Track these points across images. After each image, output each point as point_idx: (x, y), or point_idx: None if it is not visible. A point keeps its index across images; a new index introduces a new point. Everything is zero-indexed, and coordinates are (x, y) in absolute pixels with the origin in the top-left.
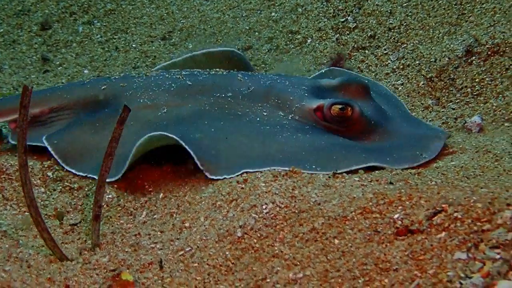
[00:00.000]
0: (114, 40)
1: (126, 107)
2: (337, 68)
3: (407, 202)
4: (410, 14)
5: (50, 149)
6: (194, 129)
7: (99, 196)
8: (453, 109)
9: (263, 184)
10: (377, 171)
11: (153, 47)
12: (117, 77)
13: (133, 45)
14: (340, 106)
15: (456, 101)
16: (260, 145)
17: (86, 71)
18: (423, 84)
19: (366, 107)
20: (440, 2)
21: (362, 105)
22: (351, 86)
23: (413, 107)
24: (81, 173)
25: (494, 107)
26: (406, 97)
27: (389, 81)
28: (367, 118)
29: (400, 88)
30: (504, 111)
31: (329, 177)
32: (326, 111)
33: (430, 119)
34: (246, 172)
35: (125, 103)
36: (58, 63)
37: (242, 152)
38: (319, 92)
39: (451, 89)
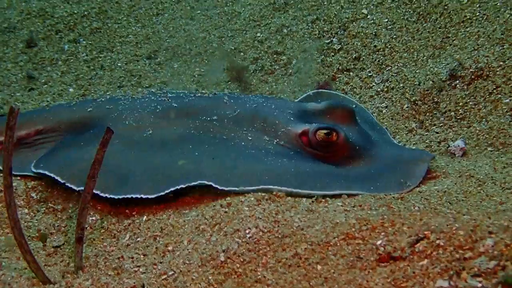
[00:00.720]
0: (100, 59)
1: (109, 129)
2: (325, 90)
3: (390, 229)
4: (394, 36)
5: (42, 172)
6: (178, 153)
7: (82, 218)
8: (437, 132)
9: (247, 208)
10: (360, 196)
11: (139, 66)
12: (103, 99)
13: (119, 64)
14: (325, 131)
15: (440, 124)
16: (243, 167)
17: (71, 90)
18: (407, 107)
19: (351, 132)
20: (425, 25)
21: (348, 130)
22: (337, 111)
23: (397, 130)
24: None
25: (477, 131)
26: (390, 120)
27: (373, 104)
28: (352, 143)
29: (384, 111)
30: (487, 136)
31: (312, 201)
32: (312, 136)
33: (413, 142)
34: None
35: (110, 125)
36: (43, 81)
37: (226, 171)
38: (304, 116)
39: (435, 112)
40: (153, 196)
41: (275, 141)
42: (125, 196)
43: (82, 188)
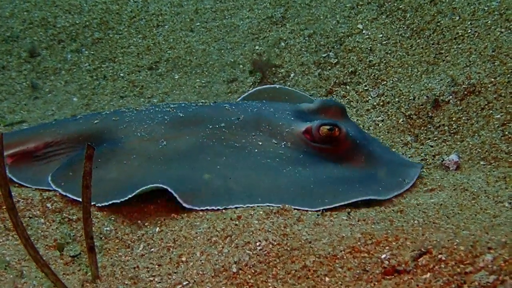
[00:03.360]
0: (102, 69)
1: (89, 146)
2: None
3: (394, 243)
4: (389, 52)
5: (60, 191)
6: (200, 166)
7: (88, 227)
8: (431, 146)
9: (256, 222)
10: (363, 209)
11: (140, 77)
12: (107, 112)
13: (121, 74)
14: (328, 127)
15: (434, 138)
16: (267, 181)
17: (75, 99)
18: (402, 121)
19: (349, 127)
20: (418, 41)
21: (345, 125)
22: (330, 108)
23: (393, 143)
24: (98, 204)
25: (470, 146)
26: (386, 133)
27: (369, 117)
28: (353, 137)
29: (380, 124)
30: (479, 150)
31: (318, 215)
32: (315, 132)
33: (409, 155)
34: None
35: (122, 137)
36: (47, 90)
37: (253, 187)
38: (302, 116)
39: (429, 126)
40: (195, 208)
41: (283, 143)
42: (169, 190)
43: (113, 201)
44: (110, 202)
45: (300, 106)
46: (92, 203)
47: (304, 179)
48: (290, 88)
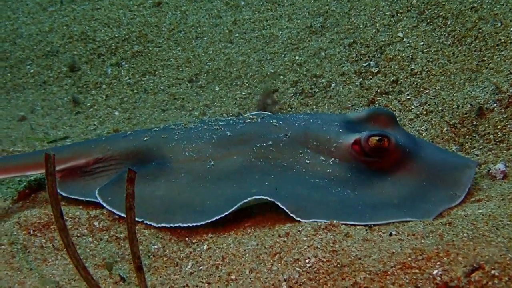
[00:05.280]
0: (143, 82)
1: (131, 170)
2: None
3: (445, 258)
4: (431, 60)
5: (106, 206)
6: (248, 184)
7: (134, 247)
8: (477, 155)
9: (305, 238)
10: (411, 222)
11: (181, 90)
12: (157, 128)
13: (161, 87)
14: (377, 138)
15: (480, 147)
16: (315, 195)
17: (116, 113)
18: (446, 130)
19: (399, 135)
20: (460, 48)
21: (395, 134)
22: (380, 117)
23: None
24: (147, 222)
25: None
26: (431, 142)
27: (413, 127)
28: (403, 147)
29: (424, 133)
30: None
31: (367, 230)
32: (364, 143)
33: None
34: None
35: (170, 156)
36: (88, 104)
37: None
38: (350, 126)
39: (474, 135)
40: (227, 212)
41: (331, 160)
42: (208, 221)
43: (164, 224)
44: (161, 225)
45: (349, 115)
46: (141, 220)
47: (352, 201)
48: None
